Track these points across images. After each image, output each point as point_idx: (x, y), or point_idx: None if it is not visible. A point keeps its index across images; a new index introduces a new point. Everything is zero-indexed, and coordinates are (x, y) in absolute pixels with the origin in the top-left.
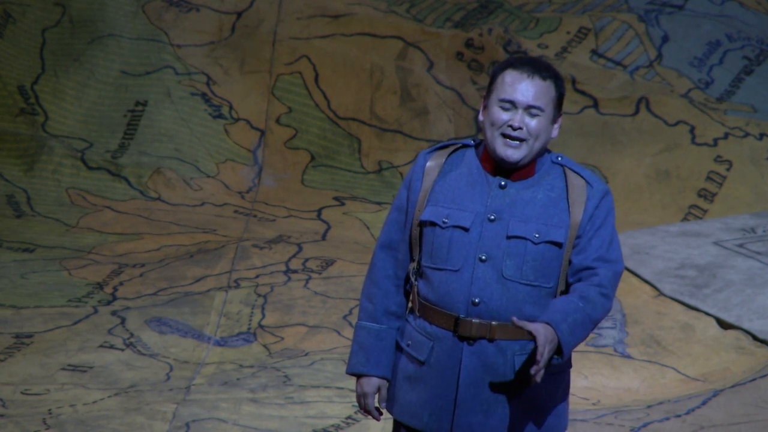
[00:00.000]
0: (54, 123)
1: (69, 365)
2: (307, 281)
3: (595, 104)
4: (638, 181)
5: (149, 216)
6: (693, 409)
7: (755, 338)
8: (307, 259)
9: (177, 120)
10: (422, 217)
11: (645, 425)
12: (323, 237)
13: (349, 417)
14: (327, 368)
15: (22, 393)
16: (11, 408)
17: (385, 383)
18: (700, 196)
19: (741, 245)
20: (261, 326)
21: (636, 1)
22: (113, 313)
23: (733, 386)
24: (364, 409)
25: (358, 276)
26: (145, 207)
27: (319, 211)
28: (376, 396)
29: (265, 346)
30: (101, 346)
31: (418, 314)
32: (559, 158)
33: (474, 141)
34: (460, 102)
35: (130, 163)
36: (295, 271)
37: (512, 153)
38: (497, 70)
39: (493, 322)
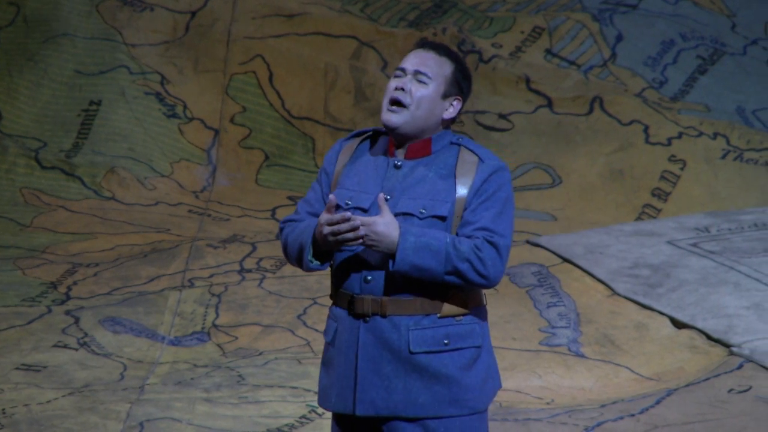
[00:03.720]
0: (8, 122)
1: (23, 365)
2: (261, 281)
3: (549, 104)
4: (592, 180)
5: (103, 216)
6: (647, 409)
7: (709, 337)
8: (261, 259)
9: (131, 119)
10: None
11: (599, 424)
12: (277, 236)
13: (303, 416)
14: (281, 368)
15: None
16: None
17: None
18: (654, 195)
19: (695, 244)
20: (215, 326)
21: (590, 0)
22: (67, 312)
23: (686, 385)
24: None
25: (312, 276)
26: (99, 206)
27: (273, 211)
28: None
29: (219, 345)
30: (55, 345)
31: (331, 300)
32: (460, 139)
33: None
34: None
35: (84, 163)
36: (249, 271)
37: (392, 117)
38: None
39: (384, 298)
